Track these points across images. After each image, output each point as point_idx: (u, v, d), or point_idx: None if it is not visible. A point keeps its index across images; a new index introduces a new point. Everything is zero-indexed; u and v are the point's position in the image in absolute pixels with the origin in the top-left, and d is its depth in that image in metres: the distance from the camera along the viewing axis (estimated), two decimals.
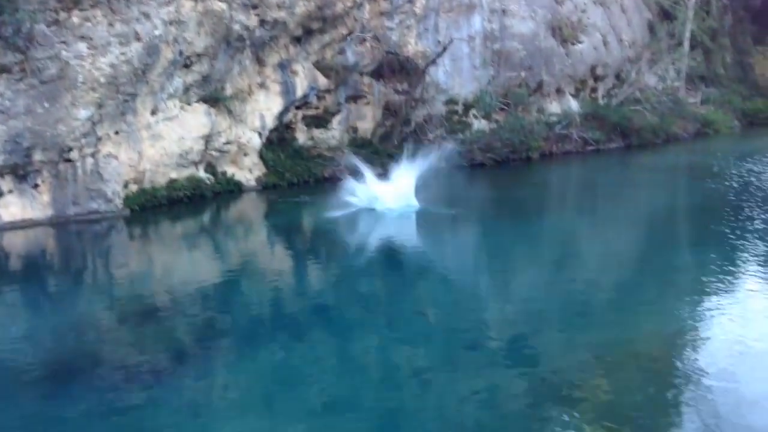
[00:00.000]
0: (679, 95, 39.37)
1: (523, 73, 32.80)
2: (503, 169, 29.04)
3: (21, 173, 19.64)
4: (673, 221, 17.30)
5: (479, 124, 30.99)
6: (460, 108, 31.11)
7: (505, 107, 31.86)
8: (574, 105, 34.87)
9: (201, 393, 9.00)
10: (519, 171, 28.80)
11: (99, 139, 20.77)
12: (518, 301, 12.51)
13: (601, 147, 33.30)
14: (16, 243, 18.63)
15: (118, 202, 21.09)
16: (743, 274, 13.06)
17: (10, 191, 19.68)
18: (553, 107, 34.32)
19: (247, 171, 25.76)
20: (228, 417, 8.25)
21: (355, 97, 28.54)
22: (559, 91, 34.77)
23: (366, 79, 28.55)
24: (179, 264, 16.33)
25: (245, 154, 25.52)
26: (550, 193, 23.00)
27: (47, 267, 16.97)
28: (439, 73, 30.23)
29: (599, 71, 36.56)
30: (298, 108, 27.11)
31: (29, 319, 12.65)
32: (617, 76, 37.92)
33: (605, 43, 36.66)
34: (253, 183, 25.69)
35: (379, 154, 28.48)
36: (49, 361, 10.33)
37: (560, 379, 8.91)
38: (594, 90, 36.81)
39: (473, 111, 31.25)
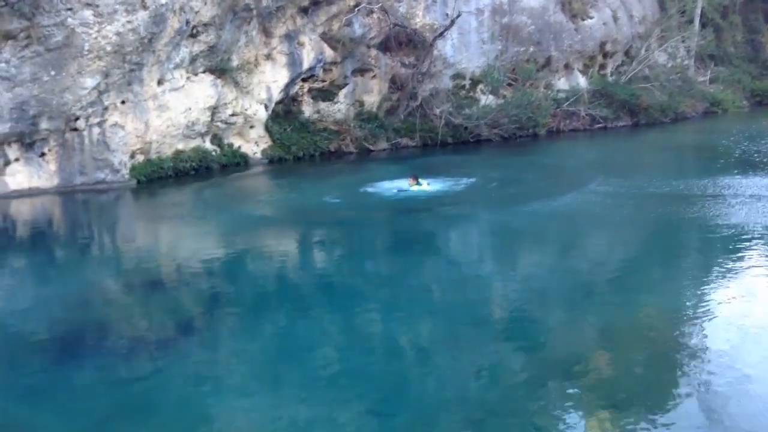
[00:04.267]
0: (688, 73, 39.06)
1: (531, 48, 32.54)
2: (510, 146, 28.92)
3: (27, 141, 19.62)
4: (680, 201, 17.23)
5: (486, 99, 30.82)
6: (467, 83, 30.92)
7: (513, 82, 31.64)
8: (582, 81, 34.63)
9: (206, 363, 9.05)
10: (526, 148, 28.67)
11: (105, 108, 20.71)
12: (524, 279, 12.53)
13: (609, 125, 33.14)
14: (23, 211, 18.66)
15: (125, 172, 21.09)
16: (750, 253, 13.04)
17: (17, 159, 19.69)
18: (561, 83, 34.10)
19: (254, 143, 25.72)
20: (233, 387, 8.30)
21: (361, 70, 28.36)
22: (567, 67, 34.51)
23: (373, 52, 28.36)
24: (186, 235, 16.34)
25: (251, 127, 25.46)
26: (558, 170, 22.90)
27: (54, 236, 17.01)
28: (446, 46, 29.99)
29: (609, 47, 36.23)
30: (304, 80, 26.98)
31: (36, 287, 12.70)
32: (626, 53, 37.59)
33: (615, 18, 36.28)
34: (259, 156, 25.67)
35: (385, 128, 28.40)
36: (55, 329, 10.39)
37: (564, 356, 8.94)
38: (603, 66, 36.52)
39: (480, 86, 31.05)
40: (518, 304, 11.10)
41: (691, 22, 40.25)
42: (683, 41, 39.06)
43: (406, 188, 19.24)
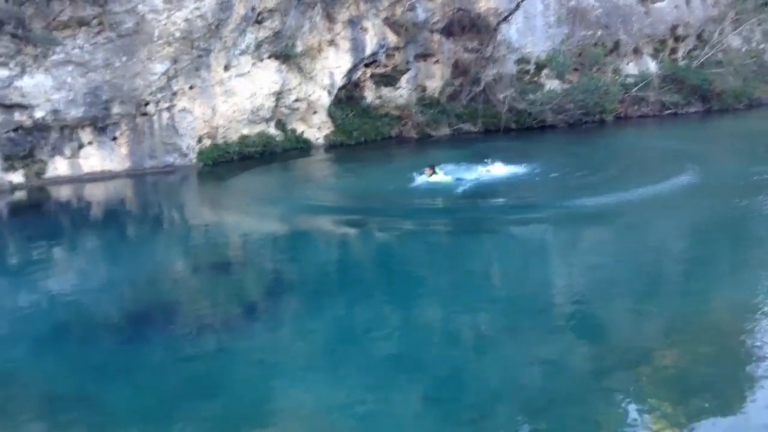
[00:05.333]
0: (764, 58, 37.36)
1: (599, 32, 31.71)
2: (576, 132, 28.29)
3: (100, 126, 20.30)
4: (758, 193, 16.53)
5: (551, 84, 30.23)
6: (532, 67, 30.37)
7: (579, 67, 30.93)
8: (652, 66, 33.56)
9: (269, 345, 9.23)
10: (593, 134, 27.99)
11: (174, 93, 21.23)
12: (600, 269, 12.31)
13: (679, 111, 32.04)
14: (96, 193, 19.36)
15: (192, 156, 21.62)
16: None
17: (90, 143, 20.40)
18: (630, 68, 33.13)
19: (316, 129, 25.95)
20: (294, 369, 8.43)
21: (424, 56, 28.21)
22: (636, 52, 33.50)
23: (436, 37, 28.15)
24: (251, 218, 16.62)
25: (314, 112, 25.68)
26: (635, 157, 22.26)
27: (125, 217, 17.60)
28: (511, 30, 29.49)
29: (680, 31, 34.96)
30: (367, 66, 27.02)
31: (109, 267, 13.17)
32: (699, 37, 36.18)
33: (687, 1, 34.96)
34: (321, 141, 25.89)
35: (447, 113, 28.21)
36: (126, 308, 10.76)
37: (628, 347, 8.76)
38: (674, 51, 35.26)
39: (546, 71, 30.46)
40: (586, 294, 10.91)
41: (766, 4, 38.44)
42: (759, 24, 37.35)
43: (419, 181, 18.62)
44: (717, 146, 24.86)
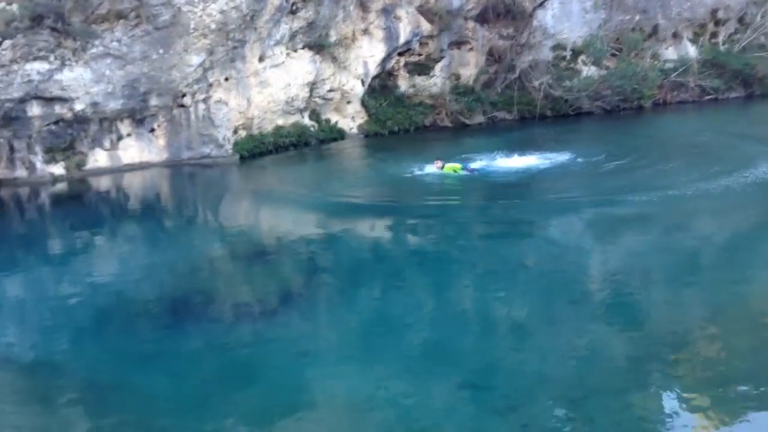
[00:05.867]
0: None
1: (637, 17, 31.11)
2: (614, 119, 27.83)
3: (138, 117, 20.59)
4: None
5: (588, 70, 29.75)
6: (568, 54, 29.94)
7: (617, 53, 30.40)
8: (691, 51, 32.83)
9: (306, 333, 9.30)
10: (632, 120, 27.50)
11: (210, 85, 21.42)
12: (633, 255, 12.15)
13: (720, 96, 31.31)
14: (135, 184, 19.69)
15: (229, 147, 21.82)
16: None
17: (129, 135, 20.72)
18: (669, 53, 32.45)
19: (350, 119, 25.96)
20: (331, 357, 8.50)
21: (458, 43, 27.99)
22: (675, 36, 32.79)
23: (470, 24, 27.90)
24: (287, 208, 16.73)
25: (348, 102, 25.69)
26: (671, 145, 21.81)
27: (164, 207, 17.92)
28: (546, 16, 29.09)
29: (720, 14, 34.10)
30: (400, 55, 26.91)
31: (148, 255, 13.41)
32: (740, 20, 35.25)
33: None
34: (355, 131, 25.90)
35: (481, 101, 27.99)
36: (165, 296, 10.94)
37: (667, 338, 8.63)
38: (714, 35, 34.41)
39: (582, 57, 30.01)
40: (625, 283, 10.76)
41: None
42: None
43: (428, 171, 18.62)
44: (762, 131, 24.10)
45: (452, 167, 18.56)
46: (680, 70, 31.03)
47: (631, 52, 30.47)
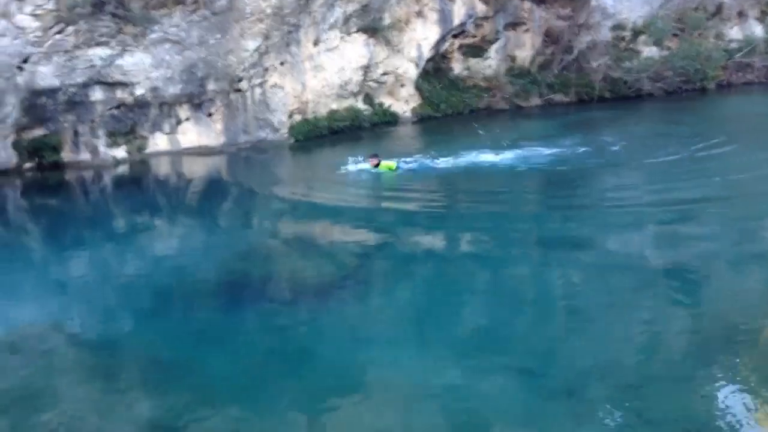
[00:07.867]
0: None
1: None
2: (677, 100, 27.01)
3: (196, 102, 20.98)
4: None
5: (649, 51, 28.96)
6: (628, 34, 29.17)
7: (679, 33, 29.46)
8: (758, 30, 31.57)
9: (360, 316, 9.36)
10: (696, 102, 26.63)
11: (266, 69, 21.66)
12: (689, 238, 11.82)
13: None
14: (194, 167, 20.10)
15: (284, 131, 22.06)
16: None
17: (187, 119, 21.15)
18: (734, 32, 31.28)
19: (404, 102, 25.90)
20: (385, 341, 8.52)
21: (513, 24, 27.58)
22: (741, 15, 31.57)
23: (526, 5, 27.44)
24: (343, 191, 16.77)
25: (402, 85, 25.62)
26: (743, 124, 21.08)
27: (222, 189, 18.26)
28: None
29: None
30: (454, 37, 26.68)
31: (207, 237, 13.70)
32: None
33: None
34: (408, 114, 25.83)
35: (537, 84, 27.55)
36: (223, 277, 11.15)
37: (732, 326, 8.38)
38: None
39: (643, 37, 29.19)
40: (688, 269, 10.47)
41: None
42: None
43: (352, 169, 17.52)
44: None
45: (387, 165, 17.53)
46: (746, 50, 29.92)
47: (694, 32, 29.51)
